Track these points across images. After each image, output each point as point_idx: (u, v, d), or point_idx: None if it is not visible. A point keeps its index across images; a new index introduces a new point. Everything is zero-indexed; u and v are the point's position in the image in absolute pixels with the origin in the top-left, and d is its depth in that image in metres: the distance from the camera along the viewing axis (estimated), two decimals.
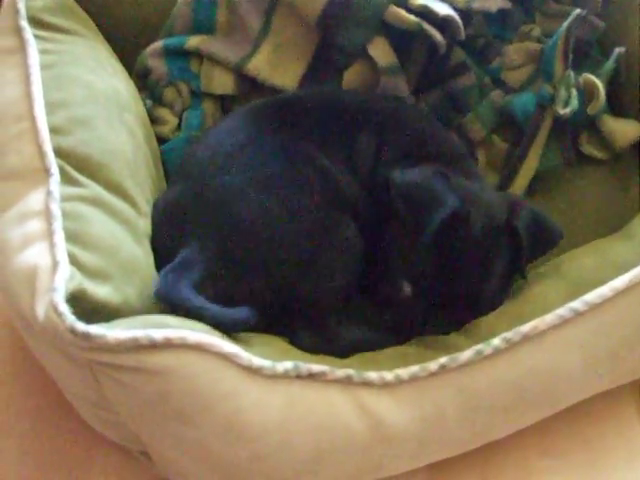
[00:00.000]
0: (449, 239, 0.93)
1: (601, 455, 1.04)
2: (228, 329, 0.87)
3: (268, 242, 0.94)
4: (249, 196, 0.96)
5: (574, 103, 1.15)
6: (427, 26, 1.15)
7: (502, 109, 1.22)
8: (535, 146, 1.18)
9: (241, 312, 0.88)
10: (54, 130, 0.96)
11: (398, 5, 1.16)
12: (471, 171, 1.09)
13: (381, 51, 1.18)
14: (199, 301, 0.88)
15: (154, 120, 1.25)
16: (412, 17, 1.15)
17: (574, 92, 1.16)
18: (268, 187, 0.97)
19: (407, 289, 0.96)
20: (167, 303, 0.88)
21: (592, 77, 1.17)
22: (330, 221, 0.98)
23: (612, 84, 1.21)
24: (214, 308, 0.87)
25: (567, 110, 1.15)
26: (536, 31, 1.26)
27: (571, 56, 1.17)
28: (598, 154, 1.21)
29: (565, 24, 1.17)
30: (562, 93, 1.16)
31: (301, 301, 0.96)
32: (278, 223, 0.95)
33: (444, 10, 1.16)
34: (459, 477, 1.01)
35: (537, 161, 1.19)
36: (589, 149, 1.21)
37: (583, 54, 1.24)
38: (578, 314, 0.89)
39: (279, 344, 0.93)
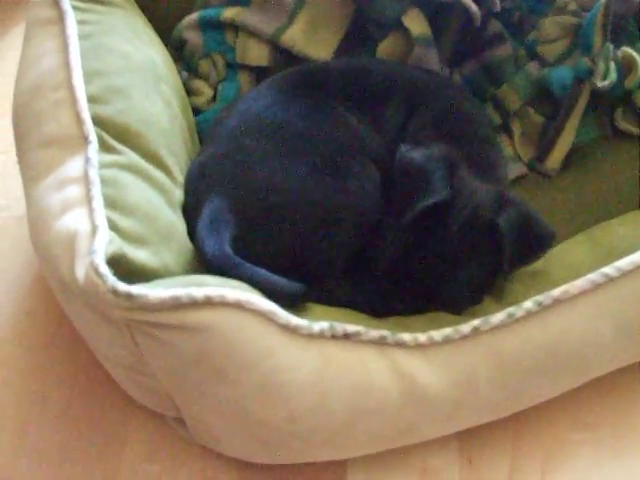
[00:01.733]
0: (428, 227, 0.93)
1: (631, 429, 1.04)
2: (280, 299, 0.86)
3: (287, 201, 0.95)
4: (272, 158, 0.98)
5: (613, 76, 1.15)
6: None
7: (539, 82, 1.23)
8: (572, 120, 1.18)
9: (294, 284, 0.89)
10: (92, 99, 0.98)
11: None
12: (489, 157, 1.08)
13: (415, 22, 1.18)
14: (253, 269, 0.88)
15: (190, 91, 1.26)
16: None
17: (612, 65, 1.16)
18: (292, 149, 0.99)
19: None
20: (220, 270, 0.88)
21: (631, 51, 1.17)
22: (348, 168, 0.99)
23: None
24: (271, 277, 0.88)
25: (605, 83, 1.15)
26: (572, 5, 1.26)
27: (610, 29, 1.17)
28: (633, 129, 1.21)
29: None
30: (601, 66, 1.16)
31: (315, 253, 0.97)
32: (299, 183, 0.96)
33: None
34: (491, 448, 1.01)
35: (573, 135, 1.19)
36: (624, 124, 1.21)
37: (620, 28, 1.22)
38: (609, 280, 0.89)
39: (313, 304, 0.94)
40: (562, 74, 1.20)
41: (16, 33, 1.64)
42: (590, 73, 1.16)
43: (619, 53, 1.17)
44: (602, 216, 1.06)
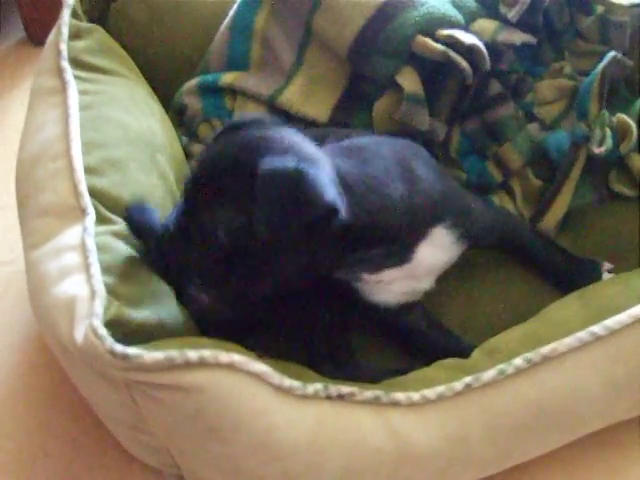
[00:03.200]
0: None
1: None
2: None
3: None
4: None
5: (609, 142, 1.17)
6: (453, 54, 1.18)
7: (537, 145, 1.25)
8: (568, 183, 1.20)
9: None
10: (89, 170, 1.00)
11: (425, 35, 1.20)
12: None
13: (408, 80, 1.21)
14: None
15: (190, 155, 1.29)
16: (439, 46, 1.18)
17: (608, 132, 1.18)
18: None
19: None
20: None
21: (625, 117, 1.19)
22: None
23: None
24: None
25: (602, 149, 1.16)
26: (567, 68, 1.29)
27: (605, 96, 1.19)
28: (627, 192, 1.22)
29: (600, 66, 1.19)
30: (597, 132, 1.17)
31: None
32: None
33: (470, 39, 1.19)
34: None
35: (570, 198, 1.20)
36: (618, 187, 1.22)
37: (613, 92, 1.25)
38: (597, 338, 0.90)
39: (307, 369, 0.96)
40: (559, 139, 1.23)
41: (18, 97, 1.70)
42: (586, 139, 1.18)
43: (614, 119, 1.19)
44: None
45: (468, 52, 1.19)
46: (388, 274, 0.99)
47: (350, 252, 0.93)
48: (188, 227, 0.89)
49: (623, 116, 1.20)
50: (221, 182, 0.87)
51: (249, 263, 0.88)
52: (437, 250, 1.01)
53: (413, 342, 1.09)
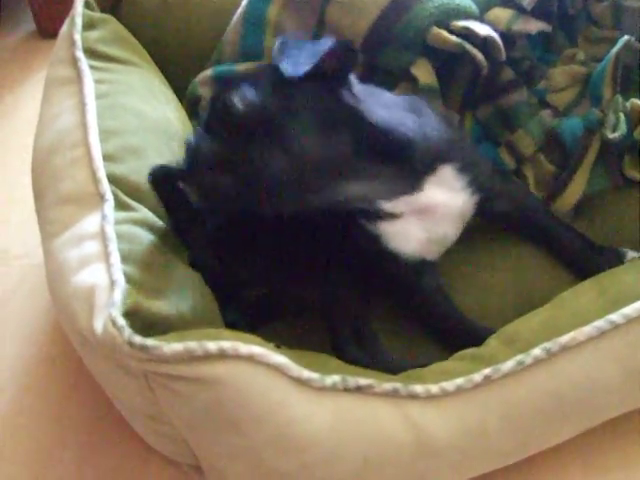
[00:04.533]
0: None
1: None
2: None
3: None
4: None
5: (623, 127, 1.16)
6: (469, 46, 1.18)
7: (550, 132, 1.24)
8: (582, 169, 1.19)
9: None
10: (107, 157, 1.01)
11: (441, 27, 1.20)
12: None
13: (423, 71, 1.21)
14: None
15: None
16: (454, 38, 1.18)
17: (622, 117, 1.17)
18: None
19: None
20: None
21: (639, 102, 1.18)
22: None
23: None
24: None
25: (616, 134, 1.15)
26: (580, 55, 1.28)
27: (619, 81, 1.19)
28: None
29: (614, 50, 1.19)
30: (611, 117, 1.17)
31: None
32: None
33: (485, 30, 1.19)
34: None
35: (583, 185, 1.19)
36: (632, 172, 1.21)
37: (626, 78, 1.24)
38: (615, 326, 0.90)
39: (326, 358, 0.96)
40: (572, 125, 1.21)
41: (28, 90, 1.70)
42: (600, 124, 1.17)
43: (628, 104, 1.18)
44: None
45: (482, 43, 1.19)
46: (403, 203, 0.99)
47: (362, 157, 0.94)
48: None
49: (637, 101, 1.18)
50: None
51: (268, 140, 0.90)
52: (447, 190, 1.02)
53: (429, 317, 1.08)
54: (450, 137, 1.04)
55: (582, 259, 1.13)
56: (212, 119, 0.93)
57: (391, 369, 0.95)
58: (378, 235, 1.02)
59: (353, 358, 0.99)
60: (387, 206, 1.00)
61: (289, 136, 0.90)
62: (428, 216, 1.01)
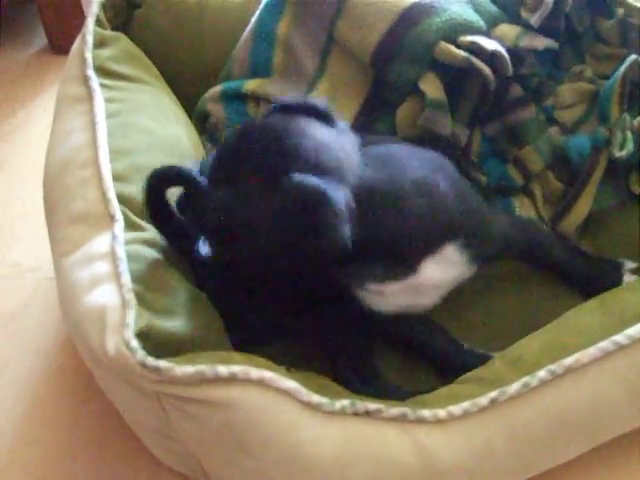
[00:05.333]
0: None
1: None
2: None
3: None
4: None
5: (630, 146, 1.16)
6: (476, 61, 1.18)
7: (558, 149, 1.25)
8: (589, 187, 1.19)
9: None
10: (117, 177, 1.02)
11: (448, 42, 1.20)
12: None
13: (431, 86, 1.21)
14: None
15: None
16: (461, 52, 1.18)
17: (629, 135, 1.17)
18: None
19: None
20: None
21: None
22: None
23: None
24: None
25: (623, 153, 1.16)
26: (588, 72, 1.29)
27: (626, 99, 1.19)
28: None
29: (622, 69, 1.19)
30: (618, 136, 1.17)
31: None
32: None
33: (492, 45, 1.19)
34: None
35: (590, 202, 1.20)
36: (638, 188, 1.22)
37: (633, 95, 1.24)
38: (620, 347, 0.90)
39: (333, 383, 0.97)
40: (580, 143, 1.22)
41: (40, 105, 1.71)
42: (607, 143, 1.18)
43: (635, 122, 1.19)
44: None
45: (490, 58, 1.19)
46: (391, 286, 0.98)
47: (351, 264, 0.92)
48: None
49: None
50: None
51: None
52: (445, 267, 0.99)
53: (424, 351, 1.09)
54: (462, 209, 0.99)
55: (583, 276, 1.15)
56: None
57: (396, 397, 0.95)
58: (360, 299, 1.00)
59: (356, 389, 0.98)
60: (375, 287, 0.98)
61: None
62: (417, 289, 0.99)
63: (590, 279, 1.14)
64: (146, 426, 0.95)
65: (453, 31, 1.21)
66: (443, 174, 1.00)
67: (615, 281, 1.11)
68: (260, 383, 0.82)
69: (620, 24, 1.26)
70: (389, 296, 0.99)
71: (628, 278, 1.13)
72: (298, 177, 0.83)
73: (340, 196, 0.83)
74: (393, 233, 0.93)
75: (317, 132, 0.91)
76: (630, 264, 1.14)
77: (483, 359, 1.00)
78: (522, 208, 1.26)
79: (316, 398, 0.85)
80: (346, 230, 0.83)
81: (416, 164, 0.99)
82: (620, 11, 1.26)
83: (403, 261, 0.96)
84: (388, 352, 1.10)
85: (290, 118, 0.92)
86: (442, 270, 0.98)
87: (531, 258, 1.16)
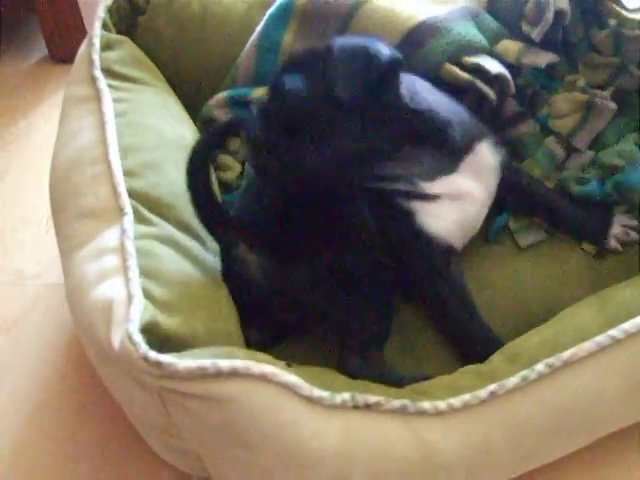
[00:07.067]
0: None
1: None
2: None
3: None
4: None
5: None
6: (480, 84, 1.20)
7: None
8: None
9: None
10: (127, 173, 1.03)
11: (452, 62, 1.22)
12: None
13: None
14: None
15: (219, 166, 1.31)
16: (465, 75, 1.21)
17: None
18: None
19: None
20: None
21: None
22: None
23: None
24: None
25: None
26: (581, 82, 1.30)
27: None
28: None
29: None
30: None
31: None
32: None
33: (496, 68, 1.21)
34: None
35: None
36: None
37: (624, 102, 1.27)
38: (616, 342, 0.92)
39: (335, 375, 0.97)
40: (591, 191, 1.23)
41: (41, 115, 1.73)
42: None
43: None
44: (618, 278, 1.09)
45: (493, 78, 1.21)
46: (440, 184, 1.06)
47: (405, 142, 1.03)
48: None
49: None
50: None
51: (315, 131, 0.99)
52: (480, 171, 1.10)
53: (449, 314, 1.10)
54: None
55: (576, 220, 1.20)
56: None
57: (395, 382, 0.97)
58: (413, 212, 1.06)
59: (357, 370, 1.00)
60: (425, 187, 1.06)
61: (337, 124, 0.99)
62: (463, 195, 1.08)
63: (580, 220, 1.20)
64: (148, 423, 0.96)
65: (458, 52, 1.23)
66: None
67: (604, 225, 1.17)
68: (261, 378, 0.83)
69: (614, 34, 1.28)
70: (440, 209, 1.07)
71: (617, 229, 1.18)
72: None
73: (386, 49, 0.99)
74: (442, 121, 1.06)
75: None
76: (624, 219, 1.18)
77: (498, 344, 1.03)
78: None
79: (317, 392, 0.86)
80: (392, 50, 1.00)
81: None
82: (613, 22, 1.28)
83: (449, 153, 1.07)
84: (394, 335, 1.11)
85: None
86: (479, 176, 1.10)
87: (522, 197, 1.22)
